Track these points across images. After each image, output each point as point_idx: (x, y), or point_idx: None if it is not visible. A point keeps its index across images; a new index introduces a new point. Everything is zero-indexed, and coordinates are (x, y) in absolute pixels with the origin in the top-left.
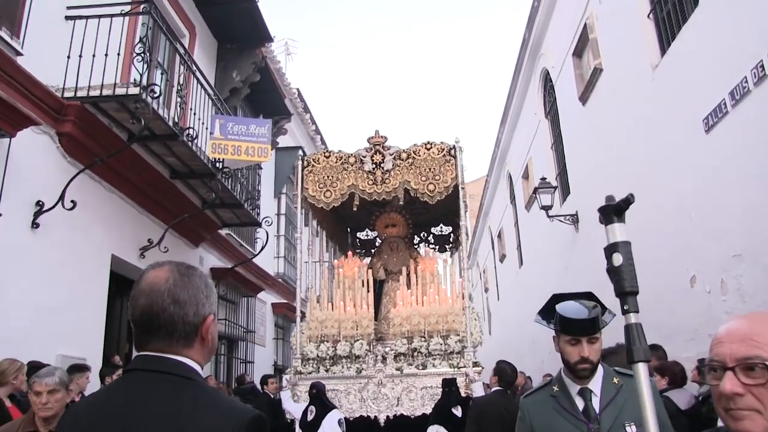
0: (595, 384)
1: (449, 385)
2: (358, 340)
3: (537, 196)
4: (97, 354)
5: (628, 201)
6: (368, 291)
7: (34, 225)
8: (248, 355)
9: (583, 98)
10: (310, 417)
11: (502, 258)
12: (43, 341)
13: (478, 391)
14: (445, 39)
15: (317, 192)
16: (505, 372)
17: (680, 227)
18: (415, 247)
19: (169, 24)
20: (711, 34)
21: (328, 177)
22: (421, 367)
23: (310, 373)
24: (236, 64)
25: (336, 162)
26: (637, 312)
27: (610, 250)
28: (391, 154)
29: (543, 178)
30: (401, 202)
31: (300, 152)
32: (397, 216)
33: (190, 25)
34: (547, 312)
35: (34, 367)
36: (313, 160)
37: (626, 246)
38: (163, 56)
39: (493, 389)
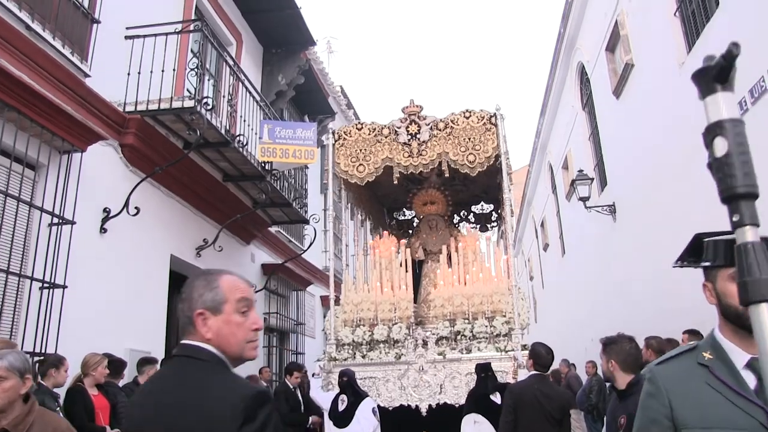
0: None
1: (484, 370)
2: (396, 323)
3: (575, 187)
4: (161, 347)
5: (731, 54)
6: (407, 271)
7: (102, 230)
8: (299, 346)
9: (617, 92)
10: (341, 407)
11: (546, 247)
12: (112, 336)
13: (525, 376)
14: (483, 24)
15: (349, 167)
16: (540, 354)
17: (709, 216)
18: (456, 225)
19: (217, 34)
20: (730, 34)
21: (360, 150)
22: (465, 352)
23: (345, 359)
24: (281, 68)
25: (369, 134)
26: (757, 225)
27: (711, 133)
28: (427, 124)
29: (580, 170)
30: (446, 174)
31: (330, 125)
32: (436, 192)
33: (237, 33)
34: (693, 252)
35: (111, 361)
36: (345, 133)
37: (736, 126)
38: (213, 64)
39: (530, 374)
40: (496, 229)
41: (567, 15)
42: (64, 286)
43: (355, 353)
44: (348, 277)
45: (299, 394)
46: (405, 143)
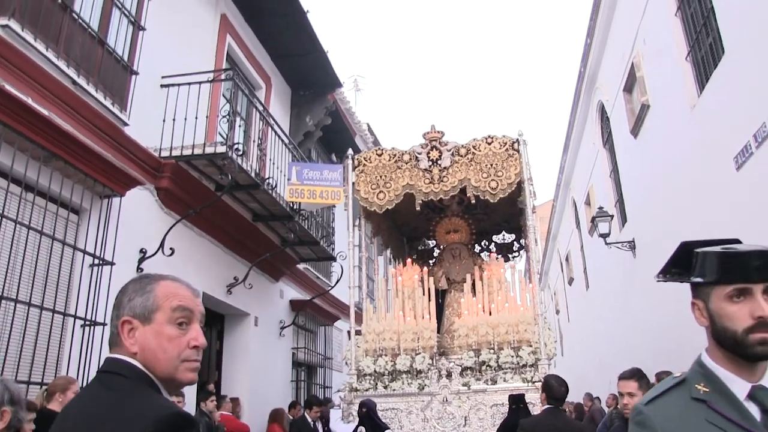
0: (766, 381)
1: (517, 401)
2: (419, 353)
3: (595, 224)
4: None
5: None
6: (429, 300)
7: (139, 269)
8: (326, 380)
9: (634, 131)
10: None
11: (571, 281)
12: None
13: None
14: (508, 55)
15: (369, 194)
16: (551, 387)
17: None
18: (479, 255)
19: (247, 77)
20: (736, 80)
21: (381, 177)
22: (490, 383)
23: (366, 390)
24: (309, 110)
25: (389, 160)
26: None
27: None
28: (448, 150)
29: (600, 207)
30: (472, 201)
31: (350, 151)
32: (460, 221)
33: (266, 77)
34: (681, 265)
35: None
36: (365, 159)
37: None
38: (243, 108)
39: (543, 408)
40: (519, 258)
41: (587, 55)
42: (104, 324)
43: (376, 384)
44: (369, 305)
45: (320, 428)
46: (426, 169)
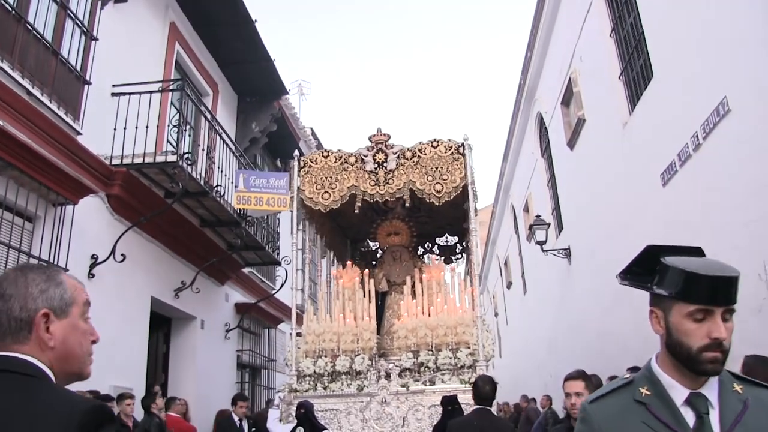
0: (710, 390)
1: (451, 403)
2: (359, 354)
3: (533, 231)
4: (141, 383)
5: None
6: (370, 301)
7: (90, 275)
8: (270, 382)
9: (571, 144)
10: None
11: (509, 285)
12: (98, 373)
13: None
14: (451, 64)
15: (314, 194)
16: (477, 387)
17: None
18: (420, 257)
19: (195, 85)
20: (663, 102)
21: (326, 178)
22: (428, 384)
23: (306, 390)
24: (255, 116)
25: (335, 162)
26: None
27: None
28: (394, 153)
29: (538, 216)
30: (407, 204)
31: (296, 153)
32: (400, 223)
33: (213, 83)
34: (643, 267)
35: (96, 397)
36: (311, 160)
37: None
38: (191, 116)
39: (472, 408)
40: (461, 261)
41: (527, 68)
42: None
43: (316, 384)
44: (310, 307)
45: (245, 426)
46: (372, 172)
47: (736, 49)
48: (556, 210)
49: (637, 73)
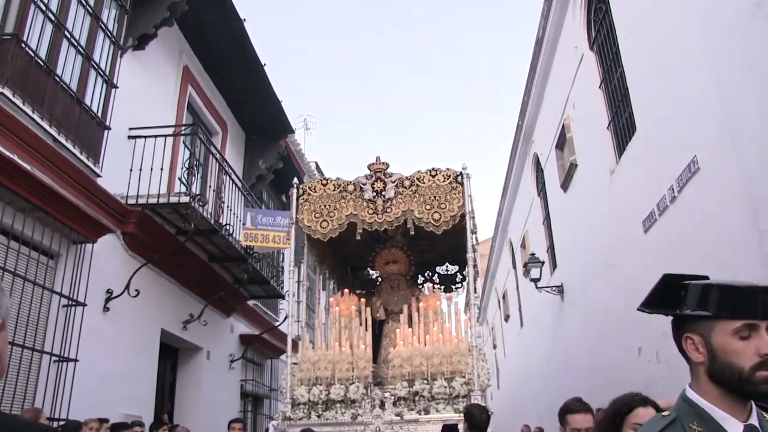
0: (754, 420)
1: (451, 431)
2: (353, 382)
3: (528, 269)
4: (150, 412)
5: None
6: (366, 330)
7: (105, 309)
8: (272, 411)
9: (564, 186)
10: None
11: (507, 318)
12: (111, 402)
13: None
14: (455, 100)
15: (313, 222)
16: (473, 415)
17: (630, 307)
18: (419, 286)
19: (205, 124)
20: (644, 154)
21: (325, 206)
22: (423, 413)
23: (300, 419)
24: (262, 154)
25: (334, 190)
26: None
27: None
28: (393, 182)
29: (533, 254)
30: (411, 233)
31: (295, 181)
32: (398, 252)
33: (222, 122)
34: (664, 295)
35: (116, 426)
36: (309, 188)
37: None
38: (201, 154)
39: None
40: (461, 290)
41: (524, 110)
42: (75, 360)
43: (310, 413)
44: (305, 335)
45: None
46: (370, 200)
47: (703, 112)
48: (551, 248)
49: (623, 125)
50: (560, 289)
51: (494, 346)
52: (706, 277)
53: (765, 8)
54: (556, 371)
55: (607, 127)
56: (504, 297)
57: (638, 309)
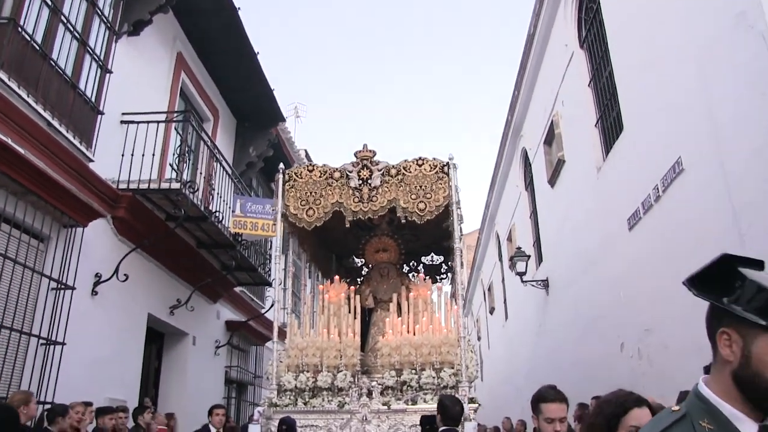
0: None
1: (429, 422)
2: (341, 370)
3: (513, 262)
4: (134, 396)
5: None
6: (355, 317)
7: (94, 293)
8: (256, 398)
9: (551, 182)
10: None
11: (492, 310)
12: (96, 386)
13: (470, 431)
14: (445, 90)
15: (299, 210)
16: (446, 407)
17: (614, 303)
18: (408, 275)
19: (197, 110)
20: (630, 154)
21: (311, 193)
22: (410, 403)
23: (286, 405)
24: (252, 141)
25: (320, 177)
26: None
27: None
28: (379, 170)
29: (518, 248)
30: (402, 221)
31: (281, 166)
32: (389, 240)
33: (214, 109)
34: (717, 279)
35: (101, 410)
36: (296, 174)
37: None
38: (192, 140)
39: (441, 429)
40: (446, 280)
41: (514, 105)
42: (63, 343)
43: (297, 400)
44: (293, 320)
45: None
46: (356, 188)
47: (688, 115)
48: (537, 242)
49: (611, 123)
50: (545, 284)
51: (478, 338)
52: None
53: (746, 19)
54: (540, 365)
55: (595, 125)
56: (489, 289)
57: (683, 284)
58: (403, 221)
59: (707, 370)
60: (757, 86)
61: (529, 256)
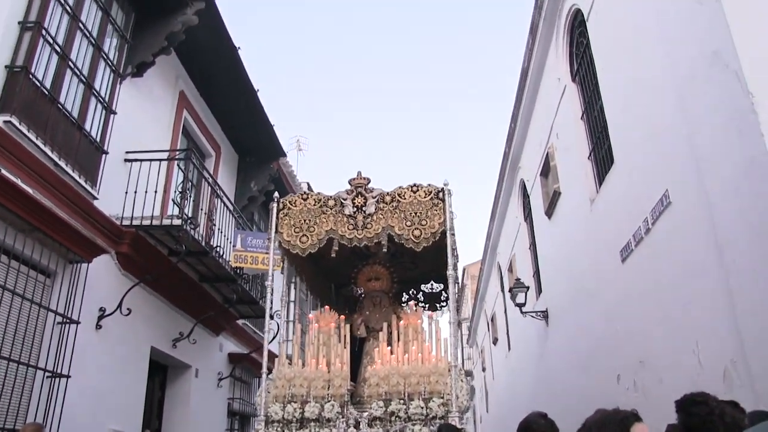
0: None
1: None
2: (329, 401)
3: (513, 294)
4: (138, 428)
5: None
6: (344, 347)
7: (98, 327)
8: None
9: (548, 213)
10: None
11: (495, 341)
12: (100, 418)
13: None
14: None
15: (292, 237)
16: None
17: (610, 335)
18: (402, 304)
19: (199, 147)
20: (621, 186)
21: (305, 221)
22: None
23: None
24: (254, 176)
25: (314, 205)
26: None
27: None
28: (374, 197)
29: (518, 279)
30: (385, 249)
31: (276, 195)
32: (381, 269)
33: (216, 145)
34: None
35: None
36: (290, 202)
37: None
38: (194, 176)
39: None
40: (446, 308)
41: (511, 138)
42: (68, 376)
43: (284, 431)
44: (282, 351)
45: None
46: (350, 215)
47: (672, 149)
48: (537, 273)
49: (603, 155)
50: (545, 314)
51: (483, 369)
52: None
53: (721, 58)
54: (540, 396)
55: (588, 157)
56: (492, 320)
57: None
58: (385, 249)
59: None
60: (734, 123)
61: (528, 287)
